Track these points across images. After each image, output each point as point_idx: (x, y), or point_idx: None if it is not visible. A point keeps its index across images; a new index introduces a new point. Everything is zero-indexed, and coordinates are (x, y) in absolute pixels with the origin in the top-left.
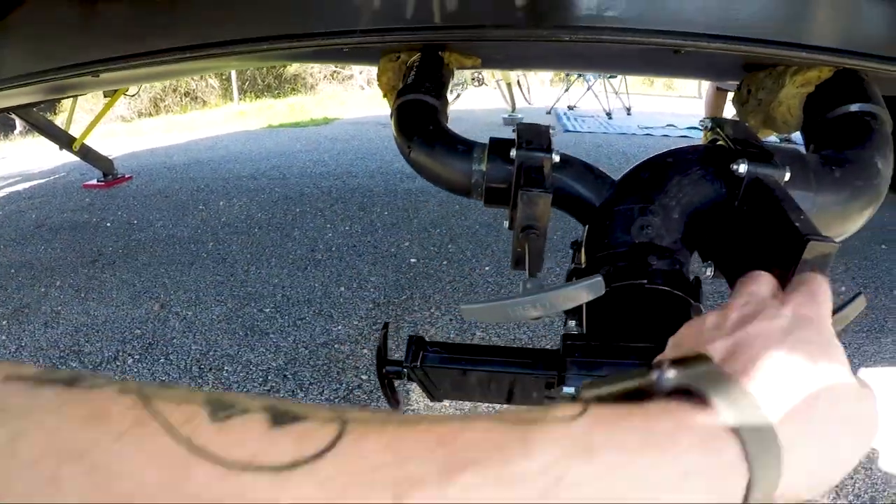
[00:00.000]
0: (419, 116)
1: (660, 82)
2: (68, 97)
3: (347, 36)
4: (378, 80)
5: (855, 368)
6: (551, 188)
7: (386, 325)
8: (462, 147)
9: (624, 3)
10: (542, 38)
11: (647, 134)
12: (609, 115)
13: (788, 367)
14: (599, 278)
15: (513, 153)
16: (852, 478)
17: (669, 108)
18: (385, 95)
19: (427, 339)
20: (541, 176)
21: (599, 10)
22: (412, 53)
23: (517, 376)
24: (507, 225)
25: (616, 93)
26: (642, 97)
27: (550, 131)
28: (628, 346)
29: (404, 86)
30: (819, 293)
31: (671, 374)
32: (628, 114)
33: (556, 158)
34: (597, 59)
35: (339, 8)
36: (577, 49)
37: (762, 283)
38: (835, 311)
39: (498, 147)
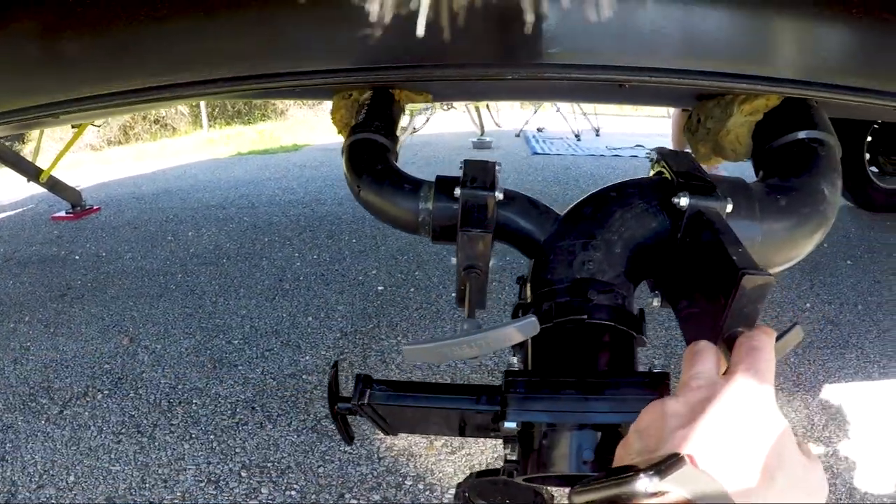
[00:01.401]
0: (368, 155)
1: None
2: (34, 128)
3: (294, 78)
4: (332, 118)
5: (820, 384)
6: (492, 227)
7: (335, 364)
8: (409, 186)
9: (567, 39)
10: (486, 77)
11: (616, 155)
12: (577, 136)
13: (746, 452)
14: (533, 319)
15: (457, 192)
16: None
17: (638, 128)
18: (340, 132)
19: (377, 376)
20: (484, 215)
21: (544, 47)
22: (364, 91)
23: (464, 411)
24: (454, 261)
25: (584, 114)
26: (611, 118)
27: (496, 168)
28: (567, 380)
29: (355, 124)
30: (761, 366)
31: (654, 481)
32: (597, 135)
33: (500, 196)
34: (546, 92)
35: (286, 50)
36: (525, 84)
37: (707, 360)
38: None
39: (444, 185)
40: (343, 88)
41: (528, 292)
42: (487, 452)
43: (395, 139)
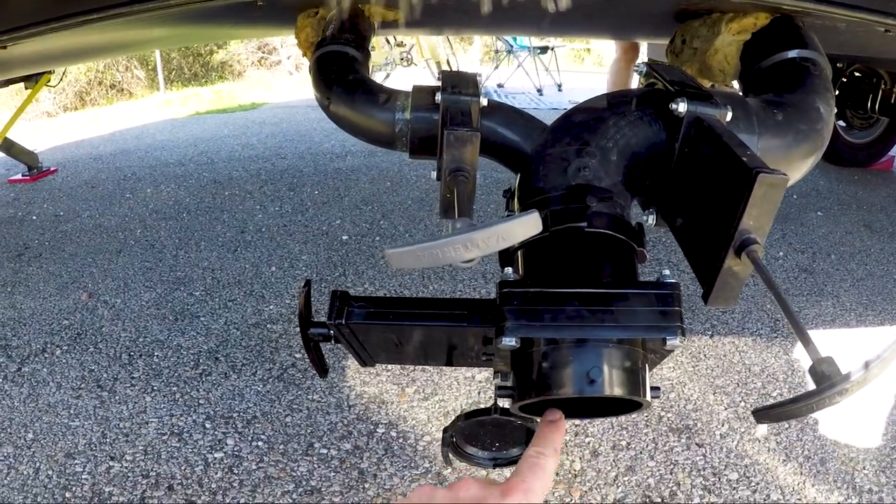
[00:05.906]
0: (338, 66)
1: (590, 59)
2: None
3: None
4: (296, 39)
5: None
6: (479, 129)
7: (308, 283)
8: (384, 96)
9: None
10: None
11: None
12: (540, 91)
13: None
14: (535, 213)
15: (438, 97)
16: (801, 439)
17: (600, 84)
18: (305, 54)
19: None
20: (468, 118)
21: None
22: (330, 9)
23: (453, 332)
24: (435, 175)
25: (547, 70)
26: (573, 74)
27: (478, 78)
28: (570, 292)
29: (323, 38)
30: (536, 485)
31: None
32: (559, 90)
33: (484, 102)
34: (526, 19)
35: None
36: (503, 11)
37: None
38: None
39: (422, 93)
40: (311, 4)
41: (517, 205)
42: (461, 398)
43: (367, 53)
